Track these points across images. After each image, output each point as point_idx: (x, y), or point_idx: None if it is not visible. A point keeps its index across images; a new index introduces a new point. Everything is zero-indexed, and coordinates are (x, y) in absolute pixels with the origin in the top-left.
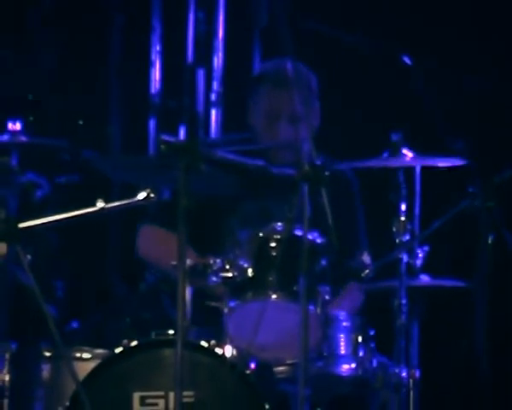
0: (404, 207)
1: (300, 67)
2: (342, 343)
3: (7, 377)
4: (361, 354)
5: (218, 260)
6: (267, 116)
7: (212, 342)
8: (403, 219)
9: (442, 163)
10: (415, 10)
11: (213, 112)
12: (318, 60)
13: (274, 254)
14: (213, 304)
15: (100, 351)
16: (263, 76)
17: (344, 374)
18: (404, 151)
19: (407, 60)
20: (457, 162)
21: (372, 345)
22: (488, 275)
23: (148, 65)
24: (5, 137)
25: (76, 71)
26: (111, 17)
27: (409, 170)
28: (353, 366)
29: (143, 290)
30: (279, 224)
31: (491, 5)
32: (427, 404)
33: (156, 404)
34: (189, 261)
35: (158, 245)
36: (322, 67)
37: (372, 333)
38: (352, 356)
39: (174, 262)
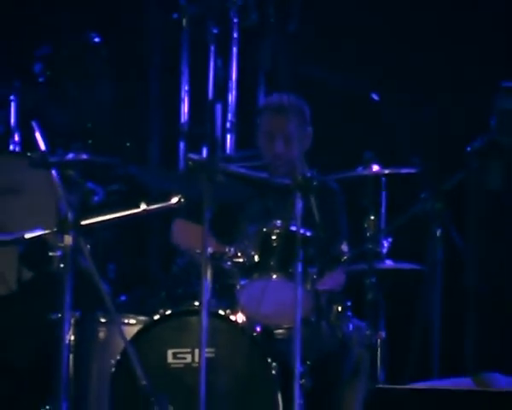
0: (373, 208)
1: (296, 99)
2: (327, 312)
3: (72, 337)
4: (340, 320)
5: (232, 249)
6: (266, 137)
7: (228, 311)
8: (372, 217)
9: (403, 171)
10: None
11: (228, 137)
12: (310, 96)
13: (275, 244)
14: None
15: (142, 318)
16: (265, 106)
17: (328, 336)
18: (374, 166)
19: (375, 96)
20: (413, 172)
21: (349, 313)
22: (439, 260)
23: (179, 100)
24: (70, 156)
25: (124, 104)
26: (151, 64)
27: (377, 180)
28: (335, 330)
29: (175, 271)
30: (278, 221)
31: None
32: (391, 359)
33: (185, 358)
34: (210, 249)
35: (186, 233)
36: (313, 101)
37: (349, 304)
38: (334, 322)
39: (199, 250)
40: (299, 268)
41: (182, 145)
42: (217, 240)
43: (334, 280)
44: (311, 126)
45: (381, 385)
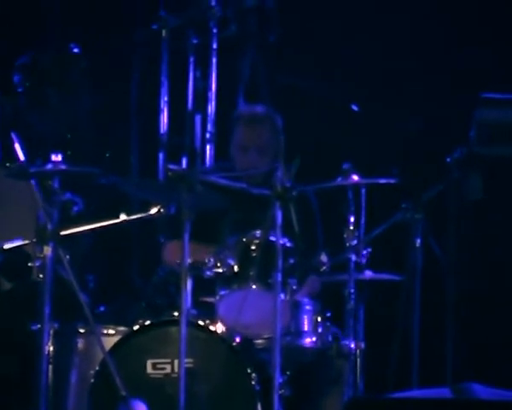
0: (352, 218)
1: (268, 109)
2: (305, 322)
3: (52, 348)
4: (320, 330)
5: (212, 259)
6: (240, 148)
7: (207, 321)
8: (351, 227)
9: (382, 181)
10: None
11: (208, 147)
12: (290, 106)
13: (254, 254)
14: (207, 299)
15: (121, 328)
16: (237, 117)
17: (307, 346)
18: (354, 176)
19: (355, 107)
20: (393, 183)
21: (328, 324)
22: (418, 270)
23: (159, 111)
24: (49, 166)
25: (104, 115)
26: (131, 75)
27: (356, 190)
28: (314, 339)
29: (155, 282)
30: (258, 231)
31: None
32: (370, 369)
33: (164, 368)
34: (202, 257)
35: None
36: (293, 111)
37: (328, 314)
38: (313, 332)
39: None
40: (279, 278)
41: (161, 156)
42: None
43: (309, 287)
44: (283, 135)
45: (360, 395)
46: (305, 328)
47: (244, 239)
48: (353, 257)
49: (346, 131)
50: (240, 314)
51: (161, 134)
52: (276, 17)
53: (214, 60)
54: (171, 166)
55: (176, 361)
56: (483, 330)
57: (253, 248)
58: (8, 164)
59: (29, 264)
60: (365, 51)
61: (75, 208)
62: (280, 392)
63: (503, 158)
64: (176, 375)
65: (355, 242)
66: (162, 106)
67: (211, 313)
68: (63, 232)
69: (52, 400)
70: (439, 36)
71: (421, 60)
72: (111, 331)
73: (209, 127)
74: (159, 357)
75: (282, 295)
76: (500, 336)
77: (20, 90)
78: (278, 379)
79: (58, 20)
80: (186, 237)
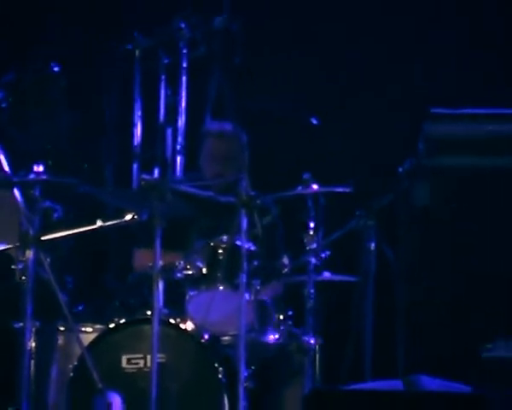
0: (312, 224)
1: (234, 126)
2: (268, 320)
3: (33, 345)
4: (282, 327)
5: (182, 262)
6: (208, 159)
7: (178, 319)
8: (311, 233)
9: (339, 190)
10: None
11: (178, 158)
12: (253, 122)
13: (221, 258)
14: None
15: (98, 326)
16: (207, 132)
17: (270, 342)
18: (313, 185)
19: (314, 121)
20: (348, 192)
21: (290, 322)
22: (371, 272)
23: (132, 125)
24: (32, 176)
25: (82, 130)
26: (108, 93)
27: (315, 198)
28: (277, 336)
29: (130, 283)
30: (224, 237)
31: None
32: (328, 362)
33: (138, 363)
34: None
35: (146, 259)
36: (256, 127)
37: (290, 313)
38: (276, 329)
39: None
40: (244, 280)
41: (135, 166)
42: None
43: (272, 289)
44: (247, 151)
45: (318, 386)
46: (268, 325)
47: (212, 244)
48: (313, 260)
49: (306, 145)
50: (208, 313)
51: (135, 146)
52: (242, 40)
53: (184, 78)
54: (144, 176)
55: (148, 356)
56: (432, 328)
57: (220, 251)
58: None
59: (12, 267)
60: (324, 70)
61: (55, 215)
62: (245, 385)
63: (450, 169)
64: (148, 369)
65: (314, 246)
66: (136, 120)
67: (181, 312)
68: (44, 237)
69: (34, 393)
70: (392, 52)
71: (375, 76)
72: (88, 329)
73: (179, 140)
74: (133, 352)
75: (247, 296)
76: (449, 334)
77: (3, 105)
78: (243, 373)
79: (37, 39)
80: (158, 242)
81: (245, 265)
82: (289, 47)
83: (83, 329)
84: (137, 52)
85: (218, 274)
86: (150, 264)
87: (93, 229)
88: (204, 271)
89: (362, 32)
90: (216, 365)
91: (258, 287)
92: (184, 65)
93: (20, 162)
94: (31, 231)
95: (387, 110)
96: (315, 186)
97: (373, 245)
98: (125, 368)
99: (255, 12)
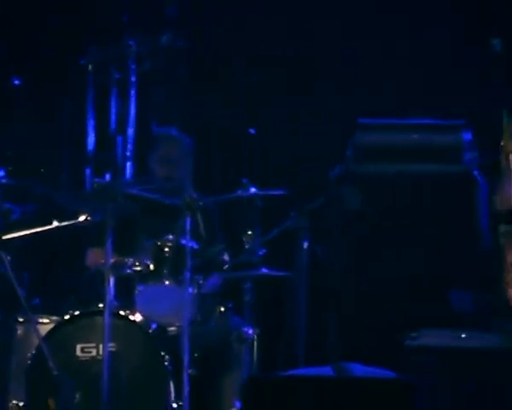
0: (250, 225)
1: (181, 133)
2: (210, 312)
3: None
4: (223, 319)
5: (131, 260)
6: (158, 163)
7: (127, 311)
8: (249, 232)
9: (275, 193)
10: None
11: (128, 164)
12: (197, 131)
13: (167, 255)
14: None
15: (54, 318)
16: (156, 137)
17: (212, 332)
18: (251, 189)
19: (252, 130)
20: (283, 194)
21: (230, 313)
22: (304, 268)
23: (86, 133)
24: None
25: (40, 137)
26: (63, 104)
27: (253, 200)
28: (218, 326)
29: (83, 278)
30: (170, 236)
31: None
32: (265, 351)
33: (91, 352)
34: (113, 260)
35: (97, 258)
36: (199, 135)
37: (230, 305)
38: (217, 320)
39: (103, 261)
40: (188, 275)
41: (88, 171)
42: (118, 252)
43: (212, 283)
44: (192, 156)
45: (256, 373)
46: (210, 317)
47: (158, 243)
48: (251, 257)
49: (245, 152)
50: (155, 306)
51: (88, 153)
52: (186, 55)
53: (133, 91)
54: (97, 180)
55: (100, 346)
56: (361, 318)
57: (166, 250)
58: None
59: None
60: (261, 83)
61: (14, 216)
62: (189, 371)
63: (376, 175)
64: (100, 357)
65: (252, 244)
66: (89, 129)
67: (130, 305)
68: (3, 237)
69: None
70: (322, 64)
71: (311, 86)
72: (45, 320)
73: (129, 147)
74: (86, 342)
75: (191, 290)
76: (376, 325)
77: None
78: (187, 360)
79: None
80: (109, 241)
81: (189, 262)
82: (230, 61)
83: (40, 320)
84: (90, 66)
85: (165, 270)
86: (102, 261)
87: (49, 229)
88: (151, 267)
89: (298, 47)
90: (162, 353)
91: (201, 281)
92: (133, 79)
93: None
94: None
95: (324, 120)
96: (253, 189)
97: (305, 244)
98: (79, 356)
99: (199, 28)
